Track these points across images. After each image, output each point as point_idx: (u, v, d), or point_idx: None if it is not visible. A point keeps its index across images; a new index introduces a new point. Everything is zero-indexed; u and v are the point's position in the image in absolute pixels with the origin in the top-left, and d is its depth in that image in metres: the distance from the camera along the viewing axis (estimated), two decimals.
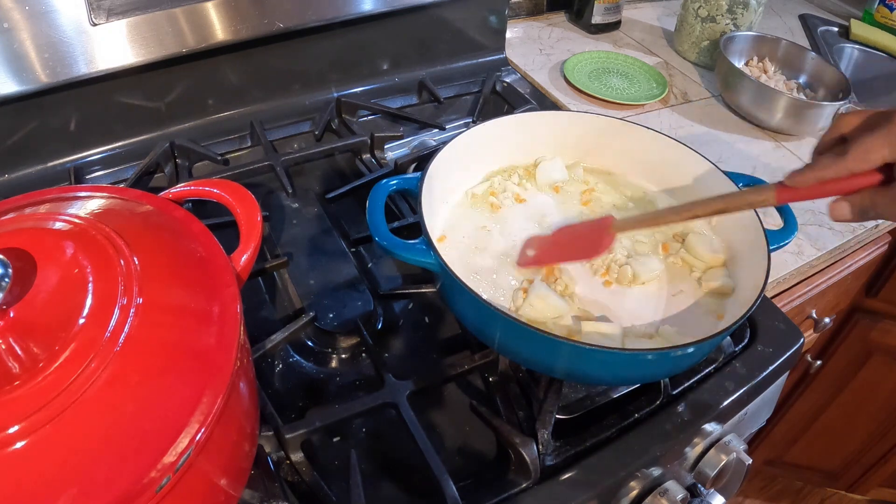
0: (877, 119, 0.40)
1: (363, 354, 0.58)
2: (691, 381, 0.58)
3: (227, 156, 0.77)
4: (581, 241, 0.55)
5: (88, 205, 0.42)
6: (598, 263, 0.60)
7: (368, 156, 0.80)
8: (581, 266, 0.60)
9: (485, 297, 0.49)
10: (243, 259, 0.44)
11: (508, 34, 1.00)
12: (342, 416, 0.51)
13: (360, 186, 0.73)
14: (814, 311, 0.94)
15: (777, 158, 0.89)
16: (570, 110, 0.92)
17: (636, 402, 0.56)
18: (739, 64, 1.02)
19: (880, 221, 0.81)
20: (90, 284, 0.35)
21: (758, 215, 0.58)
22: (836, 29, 1.26)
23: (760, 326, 0.63)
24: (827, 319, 0.95)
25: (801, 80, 1.00)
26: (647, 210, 0.67)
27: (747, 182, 0.63)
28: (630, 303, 0.57)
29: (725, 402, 0.57)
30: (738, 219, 0.60)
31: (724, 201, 0.48)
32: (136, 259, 0.37)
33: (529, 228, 0.63)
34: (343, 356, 0.58)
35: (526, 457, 0.49)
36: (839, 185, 0.41)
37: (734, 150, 0.90)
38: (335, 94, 0.86)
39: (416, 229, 0.55)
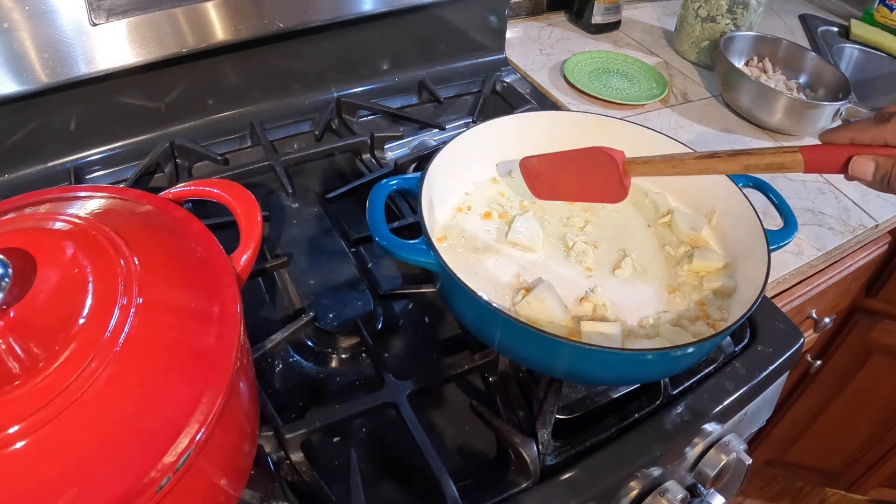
0: None
1: (363, 354, 0.58)
2: (691, 381, 0.58)
3: (227, 156, 0.77)
4: (595, 178, 0.53)
5: (88, 205, 0.42)
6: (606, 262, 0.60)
7: (368, 156, 0.80)
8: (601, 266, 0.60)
9: (485, 297, 0.49)
10: (243, 259, 0.44)
11: (508, 34, 1.00)
12: (342, 416, 0.51)
13: (360, 186, 0.73)
14: (814, 311, 0.94)
15: None
16: (570, 110, 0.92)
17: (636, 402, 0.56)
18: (739, 64, 1.02)
19: (879, 221, 0.81)
20: (90, 284, 0.35)
21: (758, 215, 0.58)
22: (836, 29, 1.26)
23: (760, 326, 0.63)
24: (827, 319, 0.95)
25: (801, 80, 1.00)
26: (656, 213, 0.67)
27: (747, 182, 0.63)
28: (630, 302, 0.57)
29: (725, 402, 0.57)
30: (738, 219, 0.60)
31: (746, 159, 0.45)
32: (136, 259, 0.37)
33: (529, 227, 0.63)
34: (343, 356, 0.58)
35: (526, 457, 0.49)
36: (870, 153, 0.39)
37: None
38: (335, 94, 0.86)
39: (416, 229, 0.55)
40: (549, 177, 0.57)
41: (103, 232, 0.38)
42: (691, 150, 0.48)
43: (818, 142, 0.43)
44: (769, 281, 0.52)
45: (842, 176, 0.42)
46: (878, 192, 0.44)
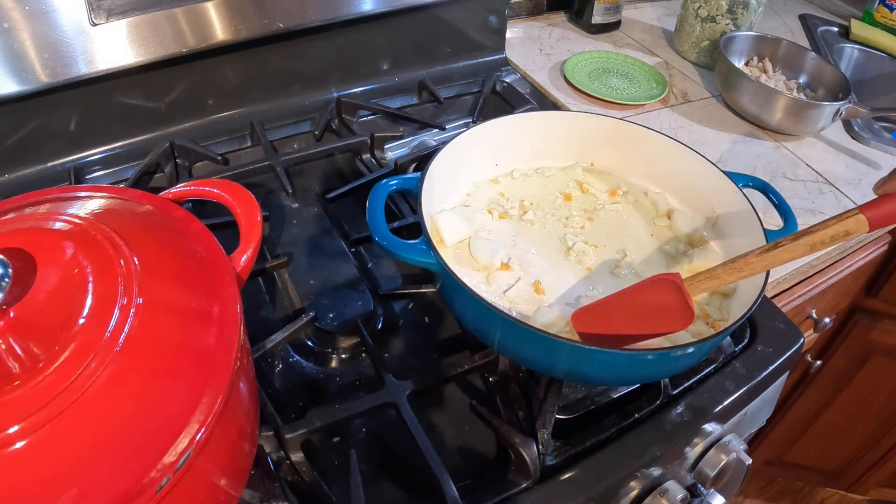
0: None
1: (363, 354, 0.58)
2: (691, 381, 0.58)
3: (227, 156, 0.77)
4: (658, 308, 0.48)
5: (88, 205, 0.42)
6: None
7: (368, 156, 0.80)
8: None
9: (485, 297, 0.49)
10: (243, 259, 0.44)
11: (508, 34, 1.00)
12: (342, 416, 0.51)
13: (360, 186, 0.73)
14: (814, 311, 0.94)
15: (777, 158, 0.89)
16: (570, 110, 0.92)
17: (636, 402, 0.56)
18: (739, 64, 1.02)
19: None
20: (90, 284, 0.35)
21: (758, 215, 0.58)
22: (836, 29, 1.26)
23: (760, 326, 0.63)
24: (827, 319, 0.95)
25: (801, 80, 1.00)
26: (656, 213, 0.67)
27: (747, 182, 0.63)
28: None
29: (725, 402, 0.57)
30: (738, 219, 0.60)
31: (810, 238, 0.42)
32: (136, 259, 0.37)
33: (529, 227, 0.63)
34: (343, 356, 0.58)
35: (526, 457, 0.49)
36: None
37: (734, 150, 0.90)
38: (335, 94, 0.86)
39: (416, 229, 0.55)
40: (609, 323, 0.50)
41: (103, 232, 0.38)
42: (754, 249, 0.45)
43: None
44: (769, 281, 0.52)
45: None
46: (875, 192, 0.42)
